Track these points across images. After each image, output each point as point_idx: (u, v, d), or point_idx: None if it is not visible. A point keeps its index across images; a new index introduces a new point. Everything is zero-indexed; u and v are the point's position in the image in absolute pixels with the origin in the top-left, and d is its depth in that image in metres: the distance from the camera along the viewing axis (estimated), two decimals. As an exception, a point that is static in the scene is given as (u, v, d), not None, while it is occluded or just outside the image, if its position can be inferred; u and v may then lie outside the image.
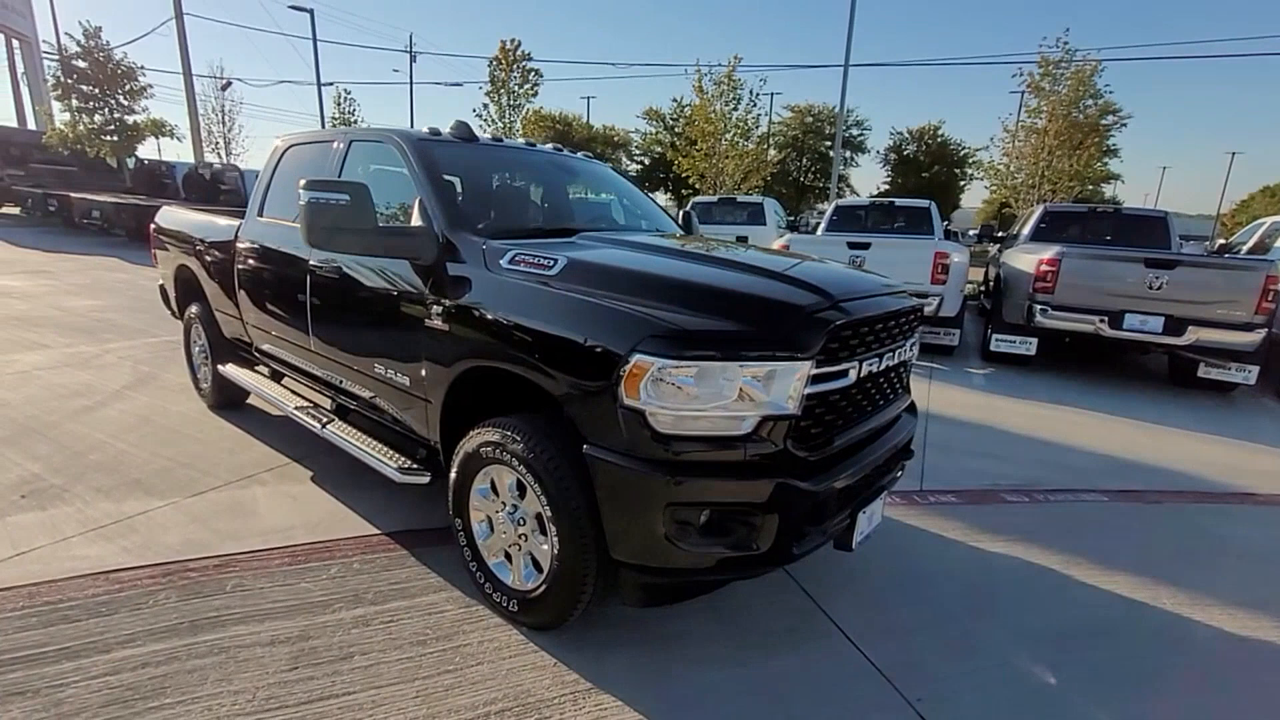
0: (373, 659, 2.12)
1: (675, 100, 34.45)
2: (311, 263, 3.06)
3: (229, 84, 26.34)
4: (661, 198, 36.13)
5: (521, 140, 4.83)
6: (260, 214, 3.67)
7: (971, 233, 24.09)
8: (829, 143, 37.30)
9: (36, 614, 2.26)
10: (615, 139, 43.60)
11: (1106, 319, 6.19)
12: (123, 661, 2.05)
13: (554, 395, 2.07)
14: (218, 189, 15.77)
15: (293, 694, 1.96)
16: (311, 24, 26.62)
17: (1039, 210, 9.22)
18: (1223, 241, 11.14)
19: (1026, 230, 8.86)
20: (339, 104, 26.38)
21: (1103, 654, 2.37)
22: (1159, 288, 5.99)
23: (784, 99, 42.64)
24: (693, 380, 1.83)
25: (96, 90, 19.35)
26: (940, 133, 39.43)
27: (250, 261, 3.63)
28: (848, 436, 2.15)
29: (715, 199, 13.38)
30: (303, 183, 2.43)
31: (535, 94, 20.96)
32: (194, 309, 4.37)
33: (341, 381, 3.14)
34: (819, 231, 10.28)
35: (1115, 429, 5.21)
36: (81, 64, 19.14)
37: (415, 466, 2.71)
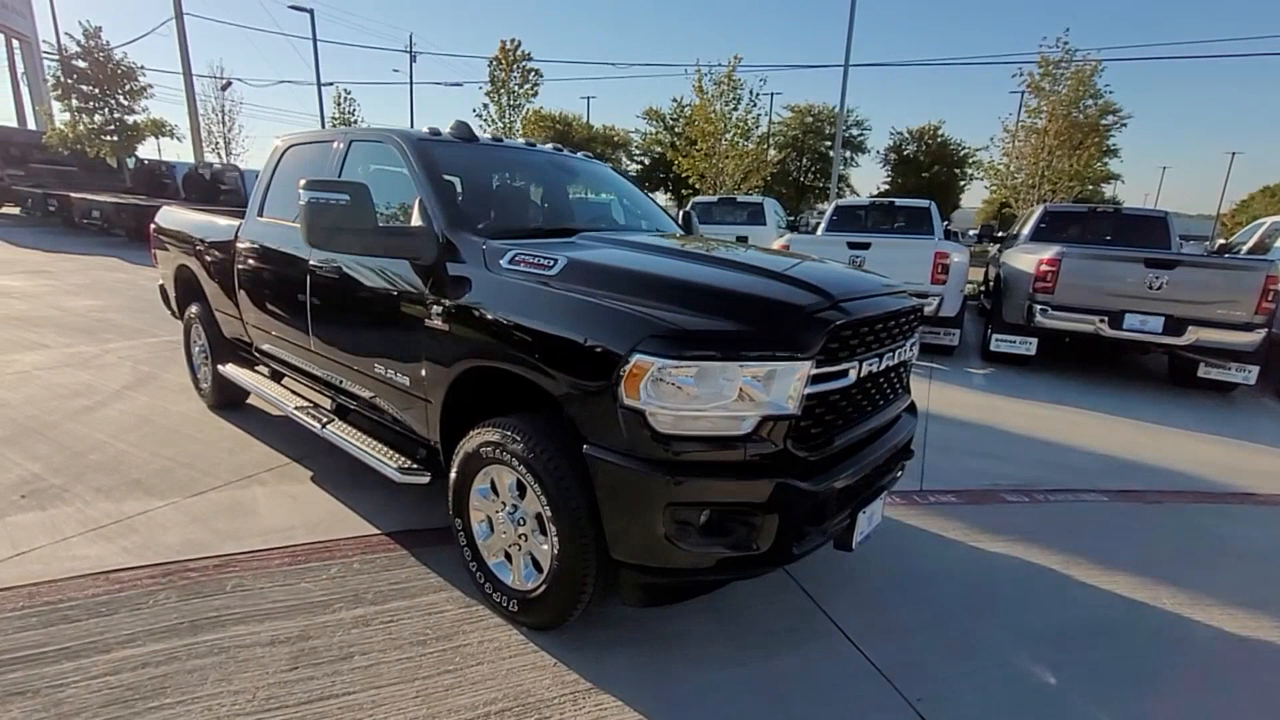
0: (373, 659, 2.12)
1: (675, 100, 34.43)
2: (311, 263, 3.06)
3: (229, 84, 26.41)
4: (661, 198, 36.13)
5: (521, 140, 4.83)
6: (260, 214, 3.67)
7: (971, 233, 24.10)
8: (829, 143, 37.29)
9: (36, 614, 2.26)
10: (615, 139, 43.57)
11: (1106, 319, 6.19)
12: (123, 661, 2.05)
13: (554, 395, 2.07)
14: (218, 189, 15.77)
15: (293, 694, 1.96)
16: (311, 24, 26.67)
17: (1039, 210, 9.22)
18: (1223, 241, 11.14)
19: (1026, 230, 8.86)
20: (339, 104, 26.41)
21: (1103, 654, 2.37)
22: (1159, 288, 5.99)
23: (784, 99, 42.65)
24: (693, 380, 1.83)
25: (96, 90, 19.34)
26: (940, 133, 39.42)
27: (250, 261, 3.63)
28: (848, 436, 2.15)
29: (715, 199, 13.38)
30: (303, 183, 2.43)
31: (535, 94, 21.00)
32: (194, 309, 4.37)
33: (341, 381, 3.14)
34: (819, 231, 10.28)
35: (1115, 429, 5.21)
36: (81, 64, 19.14)
37: (415, 466, 2.71)
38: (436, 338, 2.45)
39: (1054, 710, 2.09)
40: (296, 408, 3.37)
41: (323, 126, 23.53)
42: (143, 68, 20.02)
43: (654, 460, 1.86)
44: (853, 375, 2.06)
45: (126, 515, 2.98)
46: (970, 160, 35.90)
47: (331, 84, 32.34)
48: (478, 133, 3.31)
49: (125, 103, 19.84)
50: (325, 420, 3.18)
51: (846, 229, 9.52)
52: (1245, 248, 8.96)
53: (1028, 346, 6.78)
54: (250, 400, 4.44)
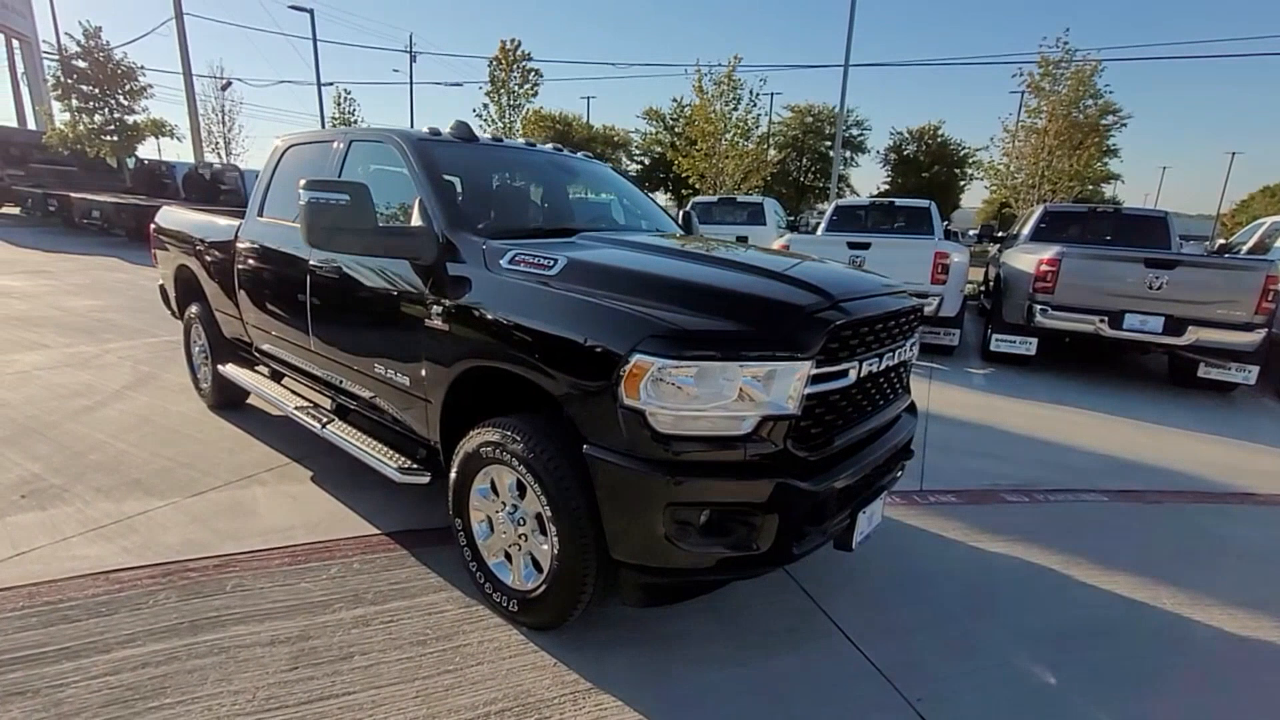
0: (373, 659, 2.12)
1: (675, 100, 34.44)
2: (311, 263, 3.06)
3: (229, 84, 26.42)
4: (661, 198, 36.12)
5: (521, 140, 4.83)
6: (260, 214, 3.67)
7: (971, 233, 24.10)
8: (829, 143, 37.29)
9: (36, 614, 2.26)
10: (615, 139, 43.56)
11: (1106, 319, 6.19)
12: (123, 661, 2.05)
13: (554, 395, 2.07)
14: (218, 189, 15.77)
15: (293, 694, 1.96)
16: (311, 24, 26.67)
17: (1039, 210, 9.22)
18: (1223, 241, 11.14)
19: (1026, 230, 8.86)
20: (339, 104, 26.41)
21: (1103, 654, 2.37)
22: (1159, 288, 5.99)
23: (784, 99, 42.63)
24: (693, 380, 1.83)
25: (96, 90, 19.34)
26: (940, 133, 39.40)
27: (250, 261, 3.63)
28: (848, 436, 2.15)
29: (715, 199, 13.38)
30: (303, 183, 2.43)
31: (535, 94, 21.01)
32: (194, 309, 4.37)
33: (341, 381, 3.14)
34: (819, 231, 10.28)
35: (1115, 429, 5.21)
36: (81, 64, 19.14)
37: (415, 466, 2.71)
38: (436, 338, 2.45)
39: (1054, 710, 2.09)
40: (296, 408, 3.37)
41: (323, 126, 23.54)
42: (143, 68, 20.06)
43: (654, 460, 1.86)
44: (853, 375, 2.06)
45: (126, 515, 2.98)
46: (970, 160, 35.91)
47: (331, 84, 32.43)
48: (478, 133, 3.31)
49: (125, 103, 19.83)
50: (325, 420, 3.18)
51: (846, 229, 9.52)
52: (1245, 248, 8.96)
53: (1028, 346, 6.78)
54: (250, 400, 4.44)
